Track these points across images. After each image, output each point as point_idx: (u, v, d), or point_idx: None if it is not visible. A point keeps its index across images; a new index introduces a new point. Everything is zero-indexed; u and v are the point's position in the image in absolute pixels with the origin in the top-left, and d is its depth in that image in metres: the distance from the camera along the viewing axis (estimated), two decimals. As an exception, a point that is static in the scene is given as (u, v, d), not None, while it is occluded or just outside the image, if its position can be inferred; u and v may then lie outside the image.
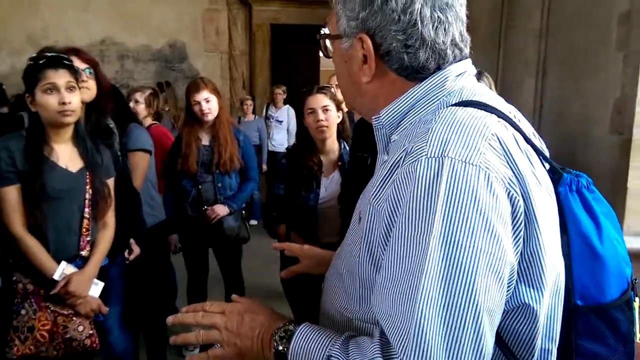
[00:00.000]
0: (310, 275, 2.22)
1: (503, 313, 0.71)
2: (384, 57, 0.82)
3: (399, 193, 0.73)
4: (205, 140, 2.90)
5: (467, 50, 0.85)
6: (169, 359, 2.89)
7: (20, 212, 1.78)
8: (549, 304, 0.76)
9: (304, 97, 2.40)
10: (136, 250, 2.38)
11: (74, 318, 1.82)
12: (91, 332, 1.85)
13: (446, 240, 0.66)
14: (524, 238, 0.71)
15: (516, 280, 0.72)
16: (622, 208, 2.39)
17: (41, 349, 1.78)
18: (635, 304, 0.86)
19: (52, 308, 1.81)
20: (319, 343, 0.80)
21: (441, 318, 0.65)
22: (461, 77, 0.83)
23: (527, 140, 0.79)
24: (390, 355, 0.70)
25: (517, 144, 0.76)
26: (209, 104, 2.80)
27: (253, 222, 5.86)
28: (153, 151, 2.64)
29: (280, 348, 0.82)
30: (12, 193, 1.78)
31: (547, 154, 0.85)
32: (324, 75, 6.65)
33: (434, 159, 0.69)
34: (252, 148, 3.21)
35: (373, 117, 0.88)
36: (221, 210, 2.88)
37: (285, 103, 6.53)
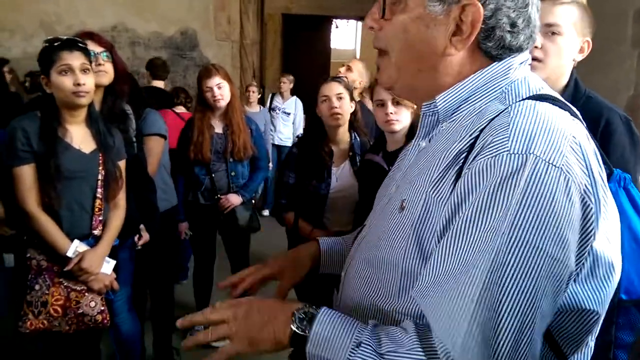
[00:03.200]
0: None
1: (558, 313, 0.70)
2: (485, 31, 0.76)
3: (471, 186, 0.69)
4: (217, 128, 2.89)
5: None
6: (174, 343, 2.92)
7: (35, 190, 1.81)
8: (608, 302, 0.74)
9: (319, 85, 2.41)
10: (145, 236, 2.41)
11: (87, 294, 1.86)
12: (102, 308, 1.89)
13: (514, 239, 0.64)
14: (591, 245, 0.69)
15: (582, 283, 0.70)
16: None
17: (54, 323, 1.82)
18: None
19: (65, 284, 1.84)
20: (345, 328, 0.73)
21: (496, 315, 0.63)
22: (523, 65, 0.80)
23: (590, 139, 0.76)
24: (431, 346, 0.67)
25: (590, 144, 0.73)
26: (221, 90, 2.81)
27: (265, 212, 5.82)
28: (167, 136, 2.65)
29: (300, 330, 0.75)
30: (28, 172, 1.81)
31: None
32: (334, 66, 6.63)
33: (517, 155, 0.66)
34: (263, 137, 3.22)
35: (425, 103, 0.83)
36: (235, 199, 2.90)
37: (292, 94, 6.12)
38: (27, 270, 1.85)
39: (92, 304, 1.86)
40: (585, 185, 0.67)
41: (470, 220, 0.67)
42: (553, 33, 1.38)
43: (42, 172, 1.81)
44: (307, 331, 0.74)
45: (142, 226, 2.40)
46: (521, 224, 0.64)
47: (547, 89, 0.79)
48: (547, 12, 1.38)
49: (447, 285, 0.67)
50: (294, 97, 6.16)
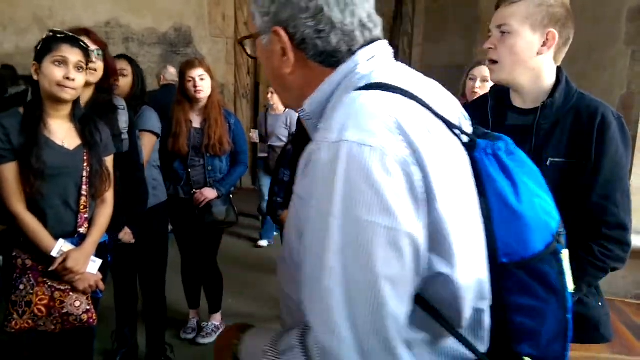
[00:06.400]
0: None
1: (425, 280, 0.77)
2: (300, 45, 0.86)
3: (304, 181, 0.79)
4: (196, 122, 2.90)
5: (377, 32, 0.90)
6: (167, 341, 2.91)
7: (18, 189, 1.79)
8: (467, 267, 0.78)
9: None
10: (127, 237, 2.43)
11: (71, 293, 1.83)
12: (88, 307, 1.86)
13: (345, 218, 0.71)
14: (427, 210, 0.74)
15: (429, 249, 0.76)
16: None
17: (39, 323, 1.80)
18: (563, 256, 0.89)
19: (49, 283, 1.81)
20: (258, 342, 0.88)
21: (344, 290, 0.71)
22: (372, 60, 0.87)
23: (440, 117, 0.82)
24: (303, 341, 0.76)
25: (421, 121, 0.79)
26: (203, 82, 2.82)
27: (262, 242, 5.06)
28: (160, 134, 2.71)
29: (237, 354, 0.94)
30: (9, 171, 1.78)
31: (468, 127, 0.92)
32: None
33: (333, 144, 0.73)
34: (244, 132, 3.20)
35: (299, 110, 0.92)
36: (210, 193, 2.90)
37: None
38: (13, 270, 1.82)
39: (77, 303, 1.83)
40: (404, 157, 0.73)
41: (310, 214, 0.76)
42: (503, 33, 1.43)
43: (23, 168, 1.78)
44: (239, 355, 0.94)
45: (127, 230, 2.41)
46: (349, 204, 0.71)
47: (394, 77, 0.84)
48: (499, 14, 1.45)
49: (307, 277, 0.76)
50: None
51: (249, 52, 0.99)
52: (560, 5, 1.41)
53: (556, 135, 1.43)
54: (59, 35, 1.82)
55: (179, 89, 2.94)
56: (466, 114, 0.95)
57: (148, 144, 2.61)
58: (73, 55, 1.80)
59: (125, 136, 2.30)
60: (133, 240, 2.45)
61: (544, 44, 1.41)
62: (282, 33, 0.85)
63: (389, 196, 0.71)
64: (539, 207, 0.86)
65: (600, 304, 1.51)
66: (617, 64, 2.77)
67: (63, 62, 1.79)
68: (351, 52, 0.86)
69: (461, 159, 0.83)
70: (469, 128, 0.92)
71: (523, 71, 1.44)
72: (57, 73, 1.78)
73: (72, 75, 1.79)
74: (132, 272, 2.80)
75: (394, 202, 0.71)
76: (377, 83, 0.82)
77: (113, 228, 2.16)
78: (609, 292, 2.55)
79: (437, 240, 0.76)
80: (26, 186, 1.78)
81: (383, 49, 0.90)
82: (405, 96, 0.80)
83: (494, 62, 1.46)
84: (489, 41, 1.46)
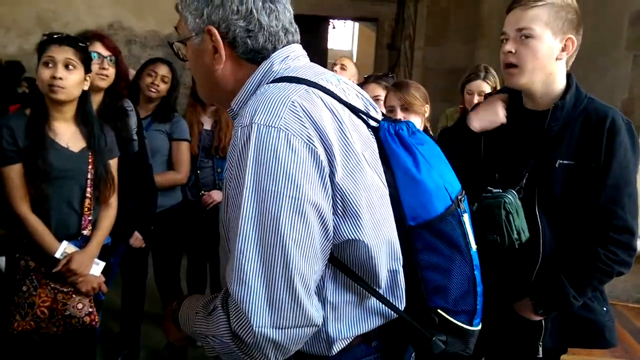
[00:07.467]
0: None
1: (338, 246, 0.88)
2: (231, 44, 0.97)
3: (228, 161, 0.89)
4: (207, 124, 2.92)
5: (297, 36, 1.03)
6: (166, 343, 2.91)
7: (23, 191, 1.80)
8: (375, 231, 0.90)
9: (361, 85, 2.34)
10: (137, 242, 2.45)
11: (74, 295, 1.84)
12: (91, 309, 1.86)
13: (256, 190, 0.81)
14: (331, 181, 0.85)
15: (338, 217, 0.87)
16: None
17: (41, 324, 1.80)
18: (465, 219, 1.00)
19: (52, 285, 1.82)
20: (192, 305, 0.99)
21: (256, 251, 0.81)
22: (287, 59, 0.99)
23: (345, 103, 0.95)
24: (224, 301, 0.86)
25: (326, 106, 0.90)
26: None
27: None
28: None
29: (177, 318, 1.05)
30: (15, 172, 1.79)
31: (376, 114, 1.04)
32: (330, 67, 6.59)
33: (245, 127, 0.85)
34: None
35: (227, 110, 1.02)
36: (218, 196, 2.89)
37: None
38: (16, 271, 1.83)
39: (80, 305, 1.84)
40: (308, 135, 0.84)
41: (229, 192, 0.86)
42: (524, 37, 1.41)
43: (28, 170, 1.79)
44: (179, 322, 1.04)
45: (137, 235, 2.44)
46: (259, 177, 0.81)
47: (302, 72, 0.95)
48: (517, 17, 1.43)
49: (228, 246, 0.86)
50: None
51: (180, 56, 1.08)
52: (574, 11, 1.42)
53: (566, 138, 1.43)
54: (54, 37, 1.83)
55: (191, 92, 2.96)
56: (375, 105, 1.09)
57: (186, 151, 2.71)
58: (60, 54, 1.79)
59: (134, 137, 2.32)
60: (143, 245, 2.47)
61: (563, 49, 1.42)
62: (215, 31, 0.96)
63: (293, 169, 0.82)
64: (437, 176, 0.98)
65: (605, 309, 1.51)
66: (619, 68, 2.77)
67: (51, 62, 1.79)
68: (275, 50, 0.98)
69: (367, 139, 0.96)
70: (377, 115, 1.04)
71: (541, 76, 1.45)
72: (45, 74, 1.78)
73: (58, 74, 1.77)
74: (142, 275, 2.82)
75: (297, 175, 0.82)
76: (286, 76, 0.94)
77: (123, 236, 2.17)
78: (610, 296, 2.55)
79: (345, 208, 0.87)
80: (31, 188, 1.79)
81: (296, 51, 1.02)
82: (311, 86, 0.92)
83: (512, 66, 1.44)
84: (508, 45, 1.44)
